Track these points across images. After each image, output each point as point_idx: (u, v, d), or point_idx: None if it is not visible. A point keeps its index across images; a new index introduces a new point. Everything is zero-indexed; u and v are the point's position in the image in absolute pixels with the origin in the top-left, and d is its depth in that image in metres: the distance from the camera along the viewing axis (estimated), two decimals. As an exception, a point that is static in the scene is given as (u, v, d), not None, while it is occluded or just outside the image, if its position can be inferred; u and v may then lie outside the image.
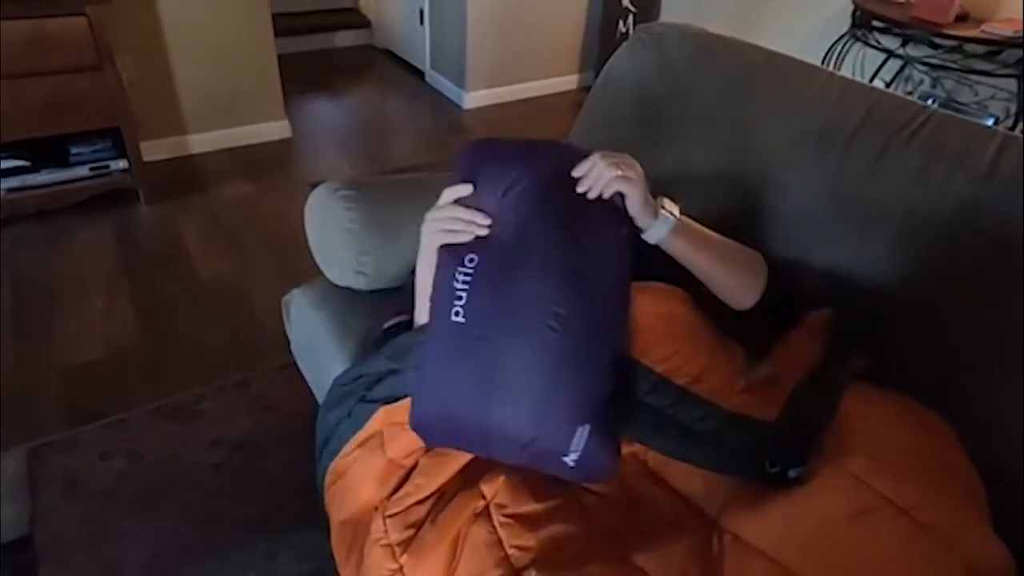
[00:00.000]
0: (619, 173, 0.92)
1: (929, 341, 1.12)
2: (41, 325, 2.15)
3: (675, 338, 0.96)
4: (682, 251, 1.00)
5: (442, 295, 0.92)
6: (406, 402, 0.97)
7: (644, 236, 0.97)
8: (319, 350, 1.40)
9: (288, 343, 1.63)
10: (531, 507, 0.88)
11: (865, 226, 1.19)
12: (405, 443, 0.99)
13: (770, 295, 1.05)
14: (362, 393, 1.08)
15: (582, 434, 0.85)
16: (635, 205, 0.95)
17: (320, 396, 1.47)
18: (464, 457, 0.96)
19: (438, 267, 0.95)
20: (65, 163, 2.62)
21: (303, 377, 1.60)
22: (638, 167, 0.96)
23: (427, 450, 0.99)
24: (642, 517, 0.90)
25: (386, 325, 1.25)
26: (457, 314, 0.89)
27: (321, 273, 1.46)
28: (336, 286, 1.44)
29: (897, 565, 0.77)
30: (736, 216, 1.34)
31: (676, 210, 1.00)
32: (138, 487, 1.65)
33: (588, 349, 0.88)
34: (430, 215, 0.99)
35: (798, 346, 1.04)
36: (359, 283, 1.39)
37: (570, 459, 0.86)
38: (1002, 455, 1.04)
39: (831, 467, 0.86)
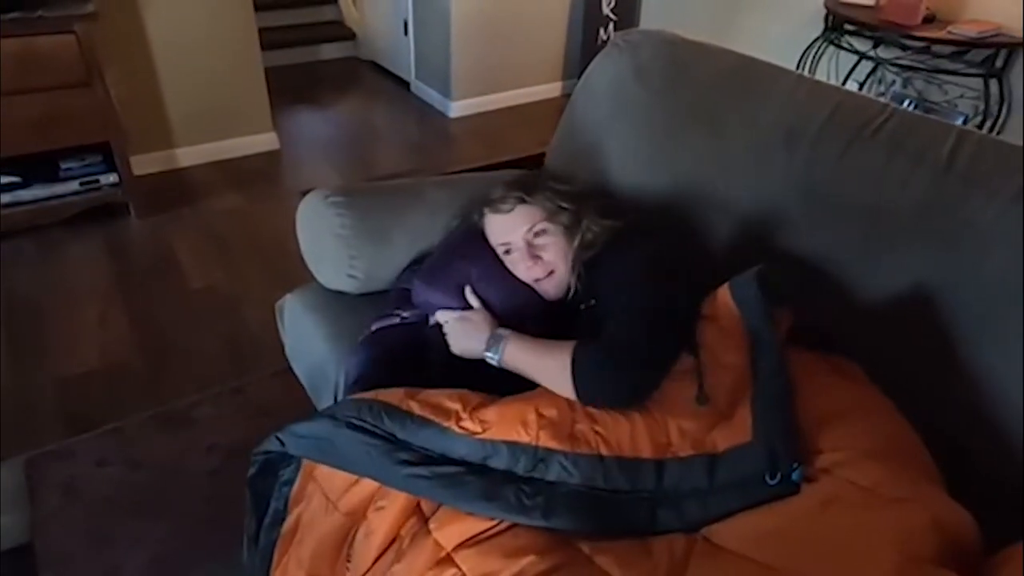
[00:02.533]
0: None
1: (896, 331, 1.18)
2: (36, 338, 2.18)
3: (619, 418, 0.96)
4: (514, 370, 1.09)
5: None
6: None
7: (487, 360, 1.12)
8: (313, 352, 1.44)
9: (282, 348, 1.67)
10: (487, 525, 0.88)
11: (833, 220, 1.24)
12: (337, 483, 1.02)
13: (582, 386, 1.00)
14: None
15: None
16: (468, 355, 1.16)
17: (315, 398, 1.51)
18: (396, 506, 0.95)
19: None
20: (55, 178, 2.64)
21: (298, 381, 1.63)
22: (451, 339, 1.18)
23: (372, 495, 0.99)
24: None
25: (375, 327, 1.30)
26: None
27: (313, 278, 1.50)
28: (328, 290, 1.48)
29: (869, 538, 0.79)
30: (709, 215, 1.40)
31: (495, 354, 1.11)
32: (136, 493, 1.67)
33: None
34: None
35: (720, 347, 1.02)
36: (350, 286, 1.43)
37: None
38: (971, 436, 1.10)
39: None
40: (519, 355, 1.08)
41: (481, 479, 0.92)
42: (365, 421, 0.99)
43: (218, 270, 2.57)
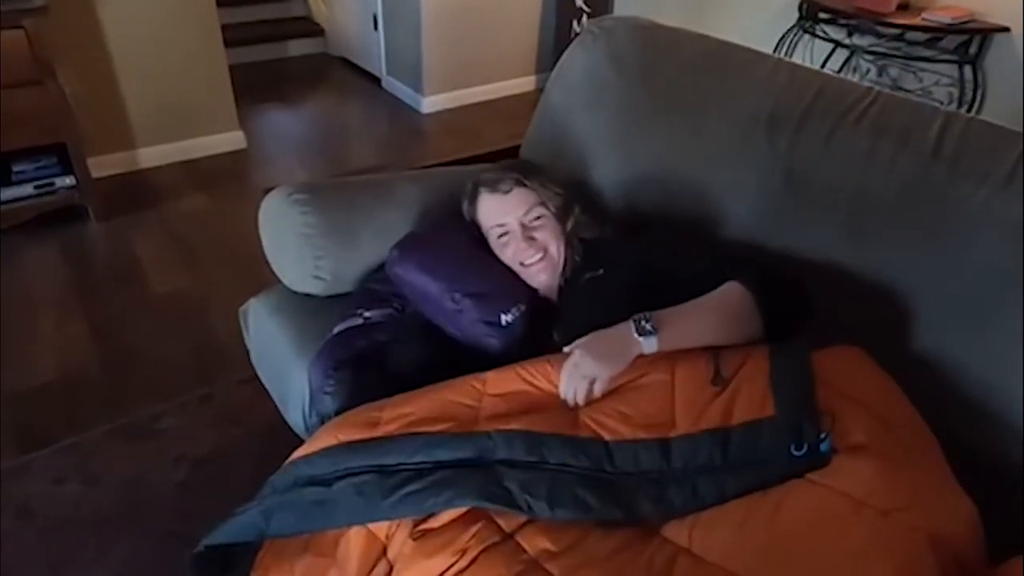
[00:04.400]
0: (583, 390, 0.95)
1: (883, 319, 1.14)
2: (-11, 350, 2.07)
3: (638, 400, 0.93)
4: (675, 346, 0.97)
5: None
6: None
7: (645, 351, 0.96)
8: (278, 358, 1.37)
9: (249, 354, 1.59)
10: (448, 563, 0.81)
11: (817, 207, 1.21)
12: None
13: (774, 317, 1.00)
14: None
15: (518, 308, 1.17)
16: (623, 364, 0.96)
17: (282, 406, 1.43)
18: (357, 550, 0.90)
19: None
20: (7, 182, 2.53)
21: (267, 388, 1.56)
22: (594, 368, 0.95)
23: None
24: (578, 532, 0.84)
25: (337, 329, 1.24)
26: None
27: (279, 281, 1.43)
28: (294, 293, 1.41)
29: (862, 562, 0.74)
30: (692, 205, 1.35)
31: (652, 333, 0.96)
32: (96, 510, 1.59)
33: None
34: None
35: None
36: (317, 288, 1.36)
37: (505, 318, 1.15)
38: (966, 427, 1.06)
39: None
40: (677, 323, 0.97)
41: (478, 473, 0.87)
42: (348, 468, 0.93)
43: (183, 274, 2.48)
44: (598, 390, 0.94)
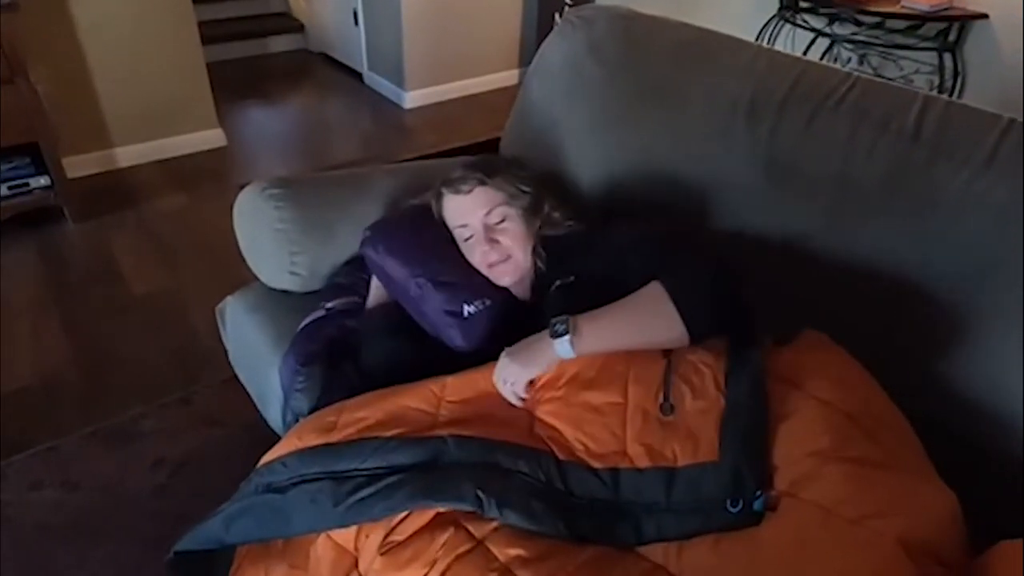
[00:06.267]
0: (508, 393, 0.99)
1: (869, 308, 1.13)
2: (-38, 354, 2.03)
3: (583, 423, 0.92)
4: (594, 348, 0.96)
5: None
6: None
7: (560, 354, 0.97)
8: (255, 357, 1.35)
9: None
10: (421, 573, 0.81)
11: (798, 193, 1.19)
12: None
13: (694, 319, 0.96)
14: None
15: (483, 302, 1.15)
16: (540, 367, 0.98)
17: (260, 405, 1.41)
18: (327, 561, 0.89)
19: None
20: (-21, 183, 2.48)
21: (245, 388, 1.53)
22: (514, 371, 0.98)
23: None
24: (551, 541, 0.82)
25: (302, 324, 1.22)
26: None
27: (256, 278, 1.41)
28: (271, 289, 1.39)
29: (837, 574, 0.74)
30: (674, 194, 1.34)
31: (565, 337, 0.95)
32: (75, 516, 1.56)
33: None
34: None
35: (692, 355, 0.95)
36: (293, 285, 1.34)
37: (468, 309, 1.14)
38: (954, 414, 1.06)
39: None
40: (595, 326, 0.95)
41: (428, 475, 0.86)
42: (302, 475, 0.92)
43: (162, 274, 2.44)
44: (519, 391, 0.97)
